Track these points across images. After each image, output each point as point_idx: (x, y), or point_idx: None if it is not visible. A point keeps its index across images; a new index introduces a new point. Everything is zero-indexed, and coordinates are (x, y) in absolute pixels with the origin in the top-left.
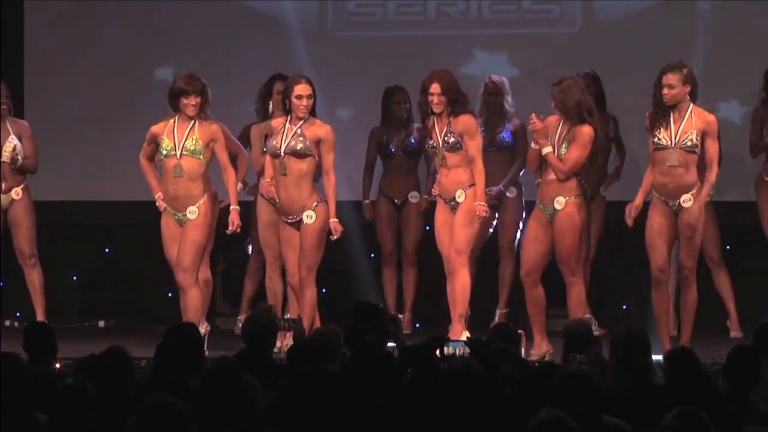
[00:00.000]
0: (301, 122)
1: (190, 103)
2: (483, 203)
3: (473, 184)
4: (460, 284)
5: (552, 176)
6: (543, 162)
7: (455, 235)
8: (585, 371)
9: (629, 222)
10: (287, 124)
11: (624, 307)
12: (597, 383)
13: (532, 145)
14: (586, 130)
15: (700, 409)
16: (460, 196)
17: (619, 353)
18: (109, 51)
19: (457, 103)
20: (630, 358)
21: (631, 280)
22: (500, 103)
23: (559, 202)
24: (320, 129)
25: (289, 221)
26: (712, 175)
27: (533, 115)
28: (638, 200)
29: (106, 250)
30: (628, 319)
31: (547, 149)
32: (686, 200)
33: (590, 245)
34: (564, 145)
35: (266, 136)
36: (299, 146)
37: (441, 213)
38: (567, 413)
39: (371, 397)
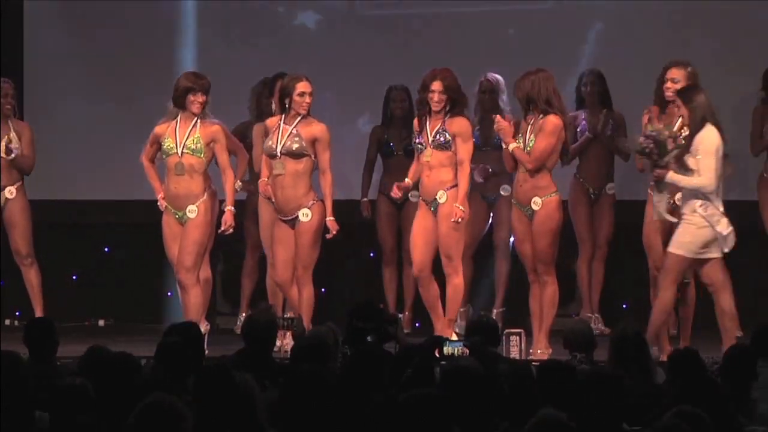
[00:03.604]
0: (297, 121)
1: (197, 100)
2: (462, 207)
3: (455, 186)
4: (453, 290)
5: (522, 174)
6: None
7: (443, 241)
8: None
9: None
10: (282, 124)
11: (623, 306)
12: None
13: (503, 144)
14: (553, 119)
15: (699, 408)
16: (441, 197)
17: (615, 353)
18: (108, 50)
19: (456, 104)
20: (625, 357)
21: (632, 278)
22: (495, 102)
23: (536, 203)
24: (316, 128)
25: (284, 219)
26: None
27: (497, 117)
28: None
29: (105, 249)
30: (628, 318)
31: (513, 145)
32: (679, 198)
33: (598, 245)
34: (531, 138)
35: None
36: (295, 146)
37: (422, 217)
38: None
39: (370, 396)
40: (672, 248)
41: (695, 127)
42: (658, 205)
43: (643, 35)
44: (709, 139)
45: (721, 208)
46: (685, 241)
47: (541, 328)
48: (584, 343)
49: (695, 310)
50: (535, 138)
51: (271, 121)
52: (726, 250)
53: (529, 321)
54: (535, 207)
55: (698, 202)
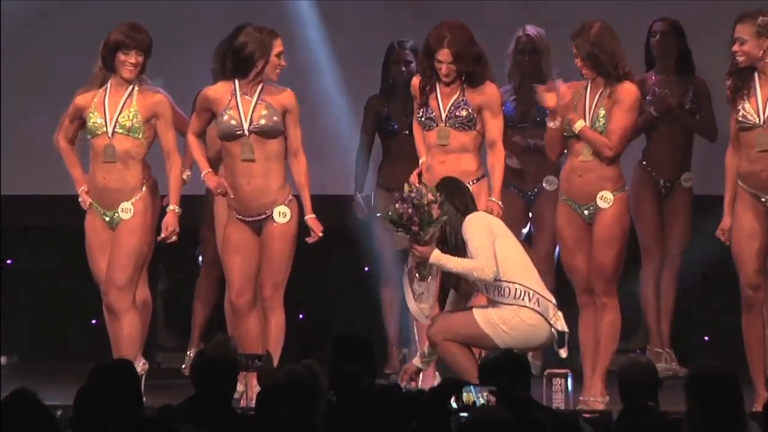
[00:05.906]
0: (260, 89)
1: (129, 60)
2: (499, 201)
3: (482, 177)
4: None
5: (584, 162)
6: (565, 145)
7: None
8: None
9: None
10: (238, 94)
11: (704, 338)
12: None
13: (549, 124)
14: (630, 88)
15: None
16: None
17: (695, 399)
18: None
19: (474, 76)
20: (709, 405)
21: (715, 301)
22: (537, 65)
23: (605, 199)
24: (284, 96)
25: (247, 219)
26: None
27: (539, 87)
28: (726, 215)
29: (8, 262)
30: (710, 355)
31: (579, 123)
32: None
33: (670, 255)
34: (601, 114)
35: None
36: (267, 121)
37: None
38: None
39: None
40: (478, 313)
41: (458, 224)
42: (419, 299)
43: None
44: (472, 222)
45: (554, 301)
46: (499, 323)
47: (596, 367)
48: (651, 386)
49: None
50: (607, 114)
51: (215, 91)
52: (564, 354)
53: (579, 358)
54: (603, 204)
55: (528, 294)
